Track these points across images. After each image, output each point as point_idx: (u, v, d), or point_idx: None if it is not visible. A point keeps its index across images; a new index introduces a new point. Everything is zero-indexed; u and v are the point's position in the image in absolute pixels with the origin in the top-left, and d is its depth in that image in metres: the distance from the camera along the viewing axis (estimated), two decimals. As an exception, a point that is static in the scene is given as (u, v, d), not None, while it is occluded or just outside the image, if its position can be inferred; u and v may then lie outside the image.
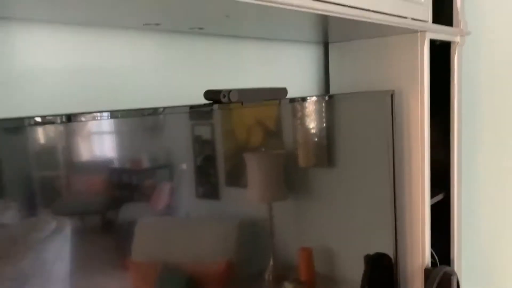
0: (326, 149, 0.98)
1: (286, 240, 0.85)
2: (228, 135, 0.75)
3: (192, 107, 0.75)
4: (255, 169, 0.77)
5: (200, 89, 1.16)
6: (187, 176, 0.66)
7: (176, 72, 1.10)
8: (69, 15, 0.83)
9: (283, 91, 0.98)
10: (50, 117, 0.50)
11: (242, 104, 0.90)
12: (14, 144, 0.46)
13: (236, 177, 0.74)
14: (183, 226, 0.63)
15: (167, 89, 1.07)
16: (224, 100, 0.85)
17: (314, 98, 1.02)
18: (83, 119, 0.54)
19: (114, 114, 0.59)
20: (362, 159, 1.13)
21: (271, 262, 0.82)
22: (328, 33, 1.23)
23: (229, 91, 0.86)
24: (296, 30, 1.12)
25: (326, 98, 1.05)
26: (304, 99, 1.00)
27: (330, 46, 1.48)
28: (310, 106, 0.98)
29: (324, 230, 0.97)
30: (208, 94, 0.87)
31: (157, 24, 0.98)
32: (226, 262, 0.72)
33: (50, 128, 0.49)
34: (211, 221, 0.68)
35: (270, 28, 1.09)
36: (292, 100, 1.00)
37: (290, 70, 1.39)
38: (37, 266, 0.45)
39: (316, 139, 0.94)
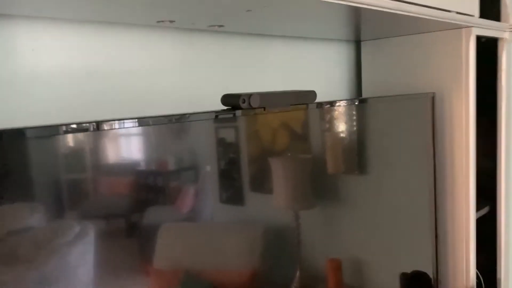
0: (358, 155, 0.95)
1: (314, 250, 0.83)
2: (253, 139, 0.73)
3: (217, 113, 0.70)
4: (280, 175, 0.75)
5: (220, 92, 1.08)
6: (211, 181, 0.65)
7: (193, 74, 1.04)
8: (76, 12, 0.77)
9: (311, 94, 0.86)
10: (80, 125, 0.52)
11: (264, 109, 0.78)
12: (44, 149, 0.48)
13: (261, 184, 0.72)
14: (206, 233, 0.63)
15: (184, 92, 1.01)
16: (244, 105, 0.75)
17: (344, 103, 0.95)
18: (112, 126, 0.55)
19: (143, 121, 0.59)
20: (398, 167, 1.09)
21: (297, 273, 0.80)
22: (360, 30, 1.16)
23: (250, 95, 0.75)
24: (325, 26, 1.06)
25: (358, 102, 0.98)
26: (333, 103, 0.92)
27: (362, 44, 1.42)
28: (341, 110, 0.92)
29: (355, 241, 0.95)
30: (226, 99, 0.76)
31: (172, 21, 0.89)
32: (251, 271, 0.71)
33: (79, 135, 0.51)
34: (235, 228, 0.68)
35: (296, 24, 1.03)
36: (321, 104, 0.91)
37: (318, 71, 1.34)
38: (61, 271, 0.46)
39: (346, 144, 0.91)
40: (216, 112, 0.71)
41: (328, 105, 0.92)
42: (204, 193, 0.63)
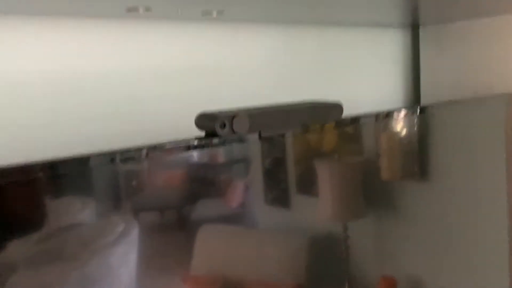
0: (417, 161, 0.94)
1: (365, 266, 0.82)
2: (298, 140, 0.69)
3: (187, 144, 0.59)
4: (327, 181, 0.73)
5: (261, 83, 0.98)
6: (255, 184, 0.64)
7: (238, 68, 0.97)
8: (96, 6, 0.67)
9: (335, 109, 0.62)
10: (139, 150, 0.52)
11: (260, 137, 0.59)
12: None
13: (308, 191, 0.71)
14: (248, 240, 0.65)
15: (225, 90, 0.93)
16: (223, 132, 0.53)
17: (398, 114, 0.87)
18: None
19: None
20: (465, 175, 1.05)
21: None
22: (418, 12, 1.09)
23: (232, 116, 0.53)
24: (375, 8, 0.98)
25: (416, 113, 0.90)
26: (378, 117, 0.81)
27: (421, 29, 1.33)
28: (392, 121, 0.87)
29: (413, 258, 0.93)
30: (201, 121, 0.55)
31: (220, 12, 0.80)
32: (293, 286, 0.70)
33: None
34: (278, 240, 0.69)
35: (339, 7, 0.93)
36: (355, 120, 0.75)
37: (367, 62, 1.26)
38: (103, 271, 0.48)
39: (404, 148, 0.90)
40: (183, 142, 0.57)
41: (353, 125, 0.75)
42: (250, 201, 0.63)
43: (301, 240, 0.71)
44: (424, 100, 1.32)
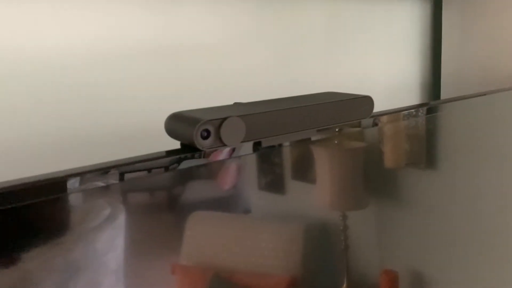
0: (423, 149, 0.91)
1: (365, 258, 0.82)
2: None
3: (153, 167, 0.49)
4: (325, 166, 0.67)
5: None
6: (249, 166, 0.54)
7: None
8: None
9: (364, 104, 0.45)
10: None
11: (258, 147, 0.44)
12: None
13: (305, 177, 0.65)
14: (240, 228, 0.59)
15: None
16: (205, 144, 0.35)
17: (417, 113, 0.81)
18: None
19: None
20: (474, 166, 1.02)
21: (344, 285, 0.77)
22: None
23: (221, 120, 0.36)
24: None
25: (429, 112, 0.84)
26: (397, 118, 0.72)
27: (444, 1, 1.25)
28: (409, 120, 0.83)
29: (416, 252, 0.91)
30: (173, 126, 0.39)
31: None
32: (289, 279, 0.68)
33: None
34: (272, 229, 0.64)
35: None
36: (379, 122, 0.62)
37: (382, 39, 1.17)
38: (89, 256, 0.46)
39: (410, 136, 0.86)
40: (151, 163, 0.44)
41: (394, 121, 0.63)
42: (243, 181, 0.56)
43: (297, 230, 0.69)
44: (445, 84, 1.23)
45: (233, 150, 0.43)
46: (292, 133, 0.44)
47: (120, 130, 0.66)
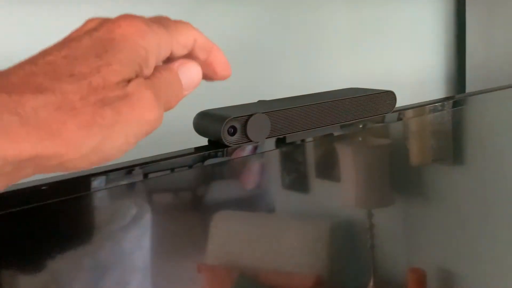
0: (450, 144, 0.91)
1: (391, 257, 0.81)
2: None
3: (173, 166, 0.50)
4: (350, 164, 0.68)
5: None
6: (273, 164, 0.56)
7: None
8: None
9: (386, 99, 0.46)
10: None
11: (284, 142, 0.44)
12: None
13: (328, 174, 0.66)
14: (264, 228, 0.60)
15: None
16: (230, 140, 0.37)
17: (443, 107, 0.78)
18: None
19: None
20: (504, 160, 1.00)
21: (370, 284, 0.76)
22: None
23: (247, 116, 0.38)
24: None
25: (455, 105, 0.83)
26: (422, 112, 0.71)
27: None
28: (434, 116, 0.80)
29: (443, 250, 0.90)
30: (201, 124, 0.41)
31: None
32: (314, 278, 0.68)
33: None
34: (297, 228, 0.65)
35: None
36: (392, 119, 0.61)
37: (406, 34, 1.16)
38: (116, 256, 0.47)
39: (436, 131, 0.84)
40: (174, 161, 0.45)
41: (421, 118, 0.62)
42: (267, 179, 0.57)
43: (322, 229, 0.69)
44: (470, 78, 1.21)
45: (256, 147, 0.44)
46: (316, 129, 0.45)
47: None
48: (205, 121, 0.40)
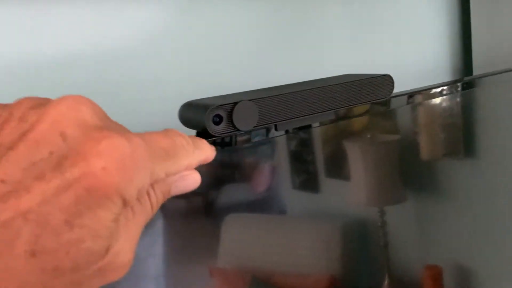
0: (462, 136, 0.90)
1: (406, 254, 0.82)
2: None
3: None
4: (359, 162, 0.69)
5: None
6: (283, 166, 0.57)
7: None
8: None
9: (383, 84, 0.44)
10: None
11: (275, 129, 0.42)
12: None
13: (337, 173, 0.67)
14: (276, 230, 0.61)
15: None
16: (217, 129, 0.36)
17: (445, 91, 0.77)
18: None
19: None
20: None
21: (385, 282, 0.76)
22: None
23: (232, 104, 0.37)
24: None
25: (462, 87, 0.82)
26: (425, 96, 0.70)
27: None
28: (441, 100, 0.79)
29: (459, 245, 0.90)
30: (187, 114, 0.39)
31: None
32: (328, 278, 0.68)
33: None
34: (309, 228, 0.66)
35: None
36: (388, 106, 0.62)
37: (410, 23, 1.14)
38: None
39: (447, 123, 0.84)
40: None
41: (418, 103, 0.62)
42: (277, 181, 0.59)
43: (334, 228, 0.70)
44: (476, 66, 1.21)
45: (249, 138, 0.42)
46: (308, 116, 0.43)
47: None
48: (189, 111, 0.39)
